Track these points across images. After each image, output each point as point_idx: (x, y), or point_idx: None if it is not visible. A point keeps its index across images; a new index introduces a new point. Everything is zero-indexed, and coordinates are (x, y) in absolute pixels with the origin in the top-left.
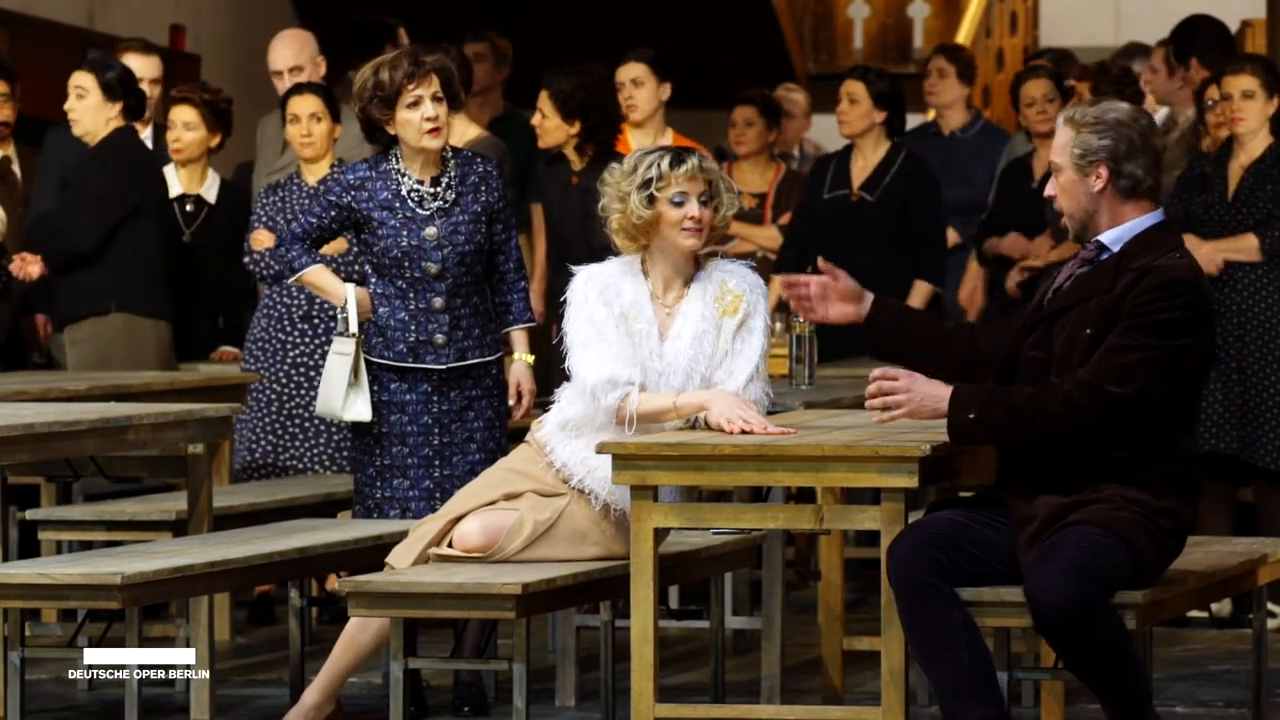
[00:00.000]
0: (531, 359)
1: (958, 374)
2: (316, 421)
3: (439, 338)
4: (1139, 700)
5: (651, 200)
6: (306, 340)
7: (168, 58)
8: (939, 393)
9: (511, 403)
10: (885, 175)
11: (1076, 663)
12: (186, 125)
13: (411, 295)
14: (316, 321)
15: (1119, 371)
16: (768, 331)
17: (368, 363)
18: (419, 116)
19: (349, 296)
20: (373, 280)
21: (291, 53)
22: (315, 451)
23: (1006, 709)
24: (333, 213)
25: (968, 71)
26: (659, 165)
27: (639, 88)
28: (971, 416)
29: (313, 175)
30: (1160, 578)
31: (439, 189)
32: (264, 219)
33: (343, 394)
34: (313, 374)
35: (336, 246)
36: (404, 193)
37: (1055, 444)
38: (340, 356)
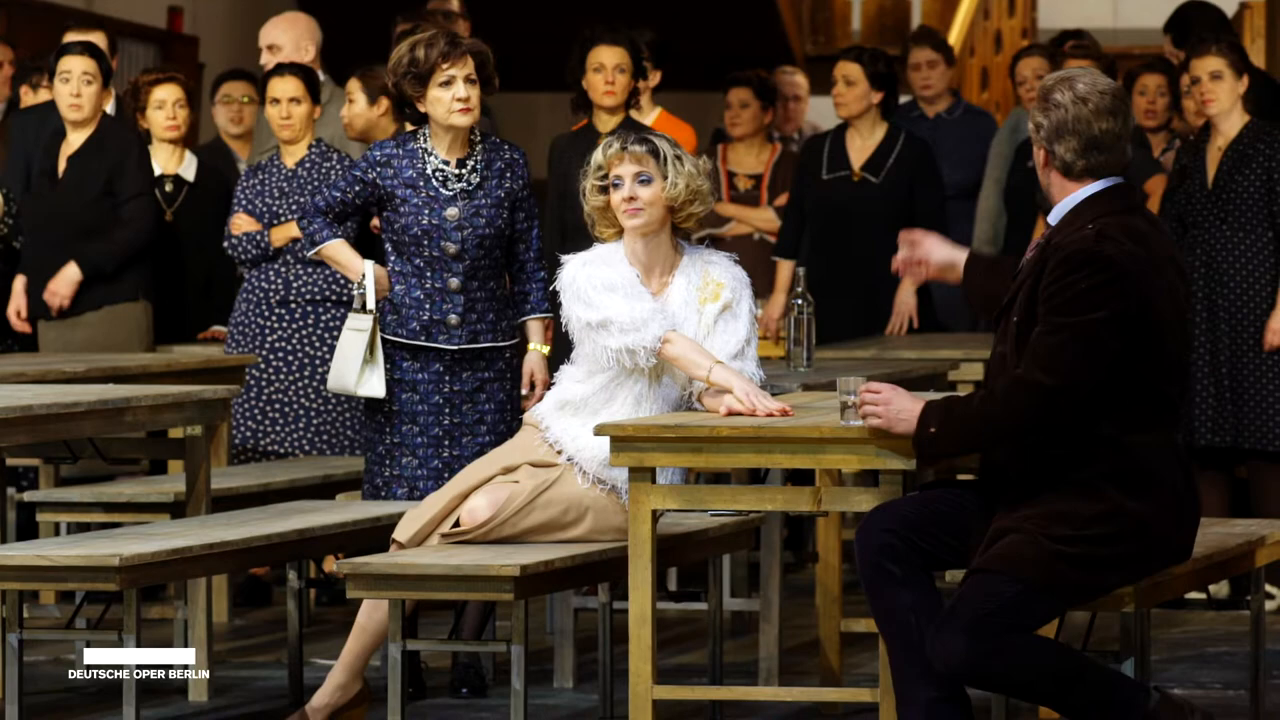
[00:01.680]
0: (547, 350)
1: None
2: (296, 406)
3: (452, 318)
4: (1099, 703)
5: (599, 189)
6: (284, 325)
7: (165, 40)
8: (914, 407)
9: (525, 392)
10: (888, 157)
11: (1011, 696)
12: (179, 103)
13: (428, 274)
14: (294, 306)
15: (1043, 359)
16: (754, 318)
17: (381, 340)
18: (450, 95)
19: (367, 273)
20: (391, 258)
21: (276, 31)
22: (295, 435)
23: (957, 690)
24: (357, 188)
25: (951, 57)
26: (598, 155)
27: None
28: (932, 430)
29: (291, 157)
30: (1129, 574)
31: (464, 171)
32: (243, 202)
33: (358, 369)
34: (291, 359)
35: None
36: (429, 171)
37: (1011, 444)
38: (356, 332)
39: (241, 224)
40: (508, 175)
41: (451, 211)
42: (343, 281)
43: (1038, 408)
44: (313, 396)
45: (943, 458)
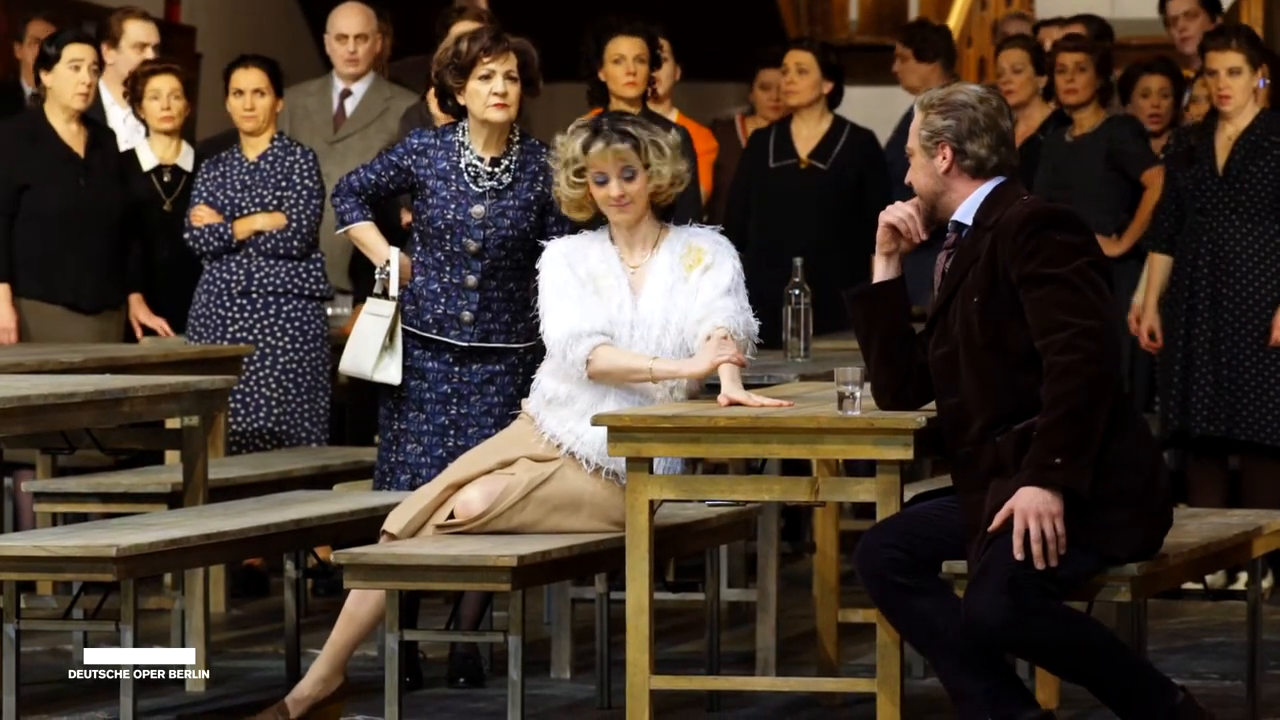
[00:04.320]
0: None
1: (896, 375)
2: (257, 395)
3: (466, 315)
4: (1130, 686)
5: (577, 181)
6: (246, 315)
7: (163, 30)
8: (1033, 490)
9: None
10: (834, 145)
11: (1046, 668)
12: (174, 94)
13: (448, 269)
14: (255, 297)
15: (1070, 309)
16: (738, 273)
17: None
18: (488, 90)
19: (392, 259)
20: (417, 248)
21: (364, 19)
22: (256, 425)
23: (1008, 673)
24: (391, 172)
25: (926, 50)
26: (573, 147)
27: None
28: (1058, 461)
29: (253, 150)
30: (1122, 524)
31: (497, 170)
32: (204, 194)
33: (375, 355)
34: (252, 349)
35: (274, 221)
36: (462, 165)
37: (1108, 396)
38: (376, 318)
39: (202, 216)
40: (540, 178)
41: (478, 209)
42: (304, 274)
43: (1106, 346)
44: (273, 386)
45: (1089, 472)
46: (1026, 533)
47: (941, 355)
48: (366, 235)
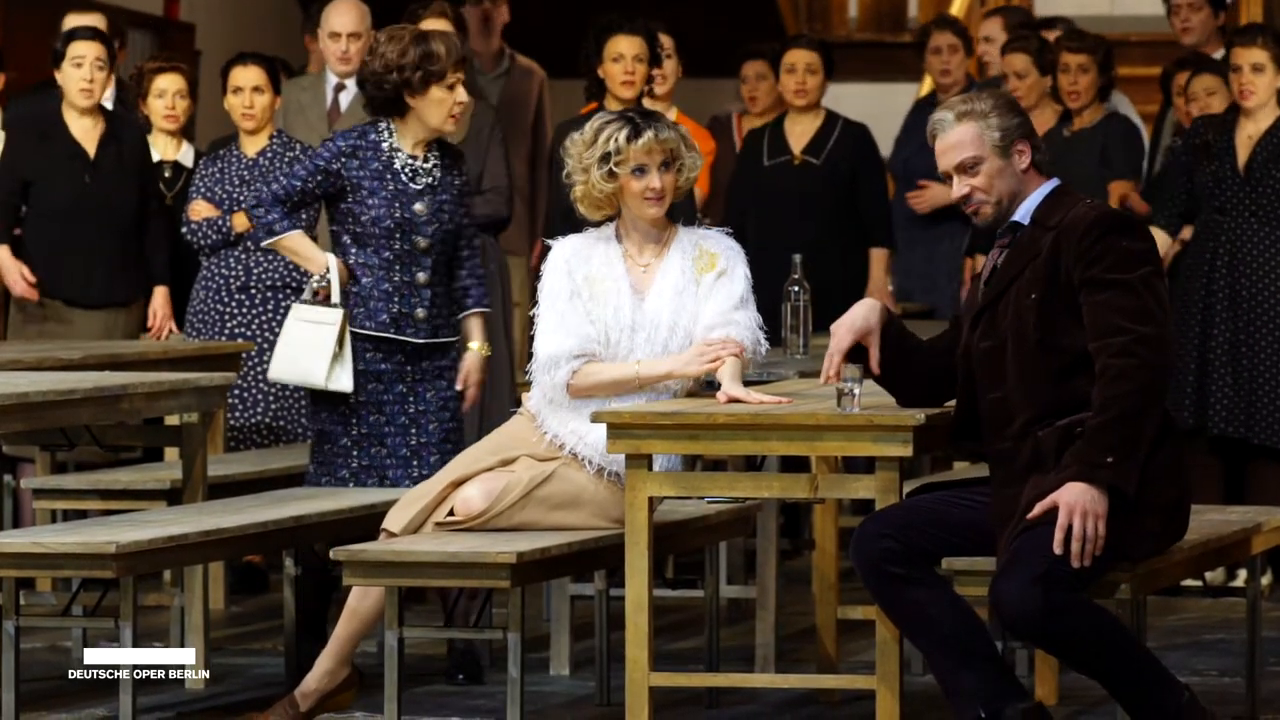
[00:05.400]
0: (488, 352)
1: (923, 391)
2: (255, 391)
3: (420, 312)
4: (1141, 683)
5: (612, 174)
6: (244, 311)
7: (161, 27)
8: (1079, 487)
9: (459, 388)
10: (827, 140)
11: (1062, 660)
12: (180, 94)
13: (397, 268)
14: (254, 292)
15: (1132, 314)
16: (749, 282)
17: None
18: (453, 99)
19: (331, 265)
20: (352, 250)
21: (355, 17)
22: (255, 421)
23: (1000, 666)
24: (319, 177)
25: (969, 44)
26: (616, 139)
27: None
28: (1110, 460)
29: (252, 147)
30: (1151, 533)
31: (428, 165)
32: (202, 189)
33: (327, 364)
34: (251, 345)
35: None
36: (396, 165)
37: (1159, 405)
38: (320, 325)
39: (200, 210)
40: (455, 170)
41: (419, 206)
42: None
43: (1161, 354)
44: (271, 382)
45: (1137, 473)
46: (1068, 528)
47: (987, 349)
48: (300, 244)
